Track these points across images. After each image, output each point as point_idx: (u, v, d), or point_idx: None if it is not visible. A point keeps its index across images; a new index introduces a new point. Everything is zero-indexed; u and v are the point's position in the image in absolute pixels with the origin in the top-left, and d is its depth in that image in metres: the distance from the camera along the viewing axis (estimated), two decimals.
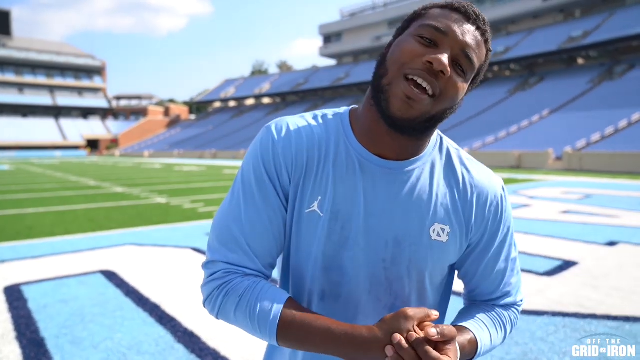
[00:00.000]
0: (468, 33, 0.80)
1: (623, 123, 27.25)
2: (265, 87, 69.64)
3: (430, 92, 0.78)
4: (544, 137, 28.39)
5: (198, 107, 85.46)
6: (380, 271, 0.87)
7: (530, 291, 4.07)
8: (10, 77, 72.56)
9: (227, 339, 3.18)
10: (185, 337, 3.24)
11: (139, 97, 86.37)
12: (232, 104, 75.60)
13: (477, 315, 0.94)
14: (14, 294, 4.15)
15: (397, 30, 0.87)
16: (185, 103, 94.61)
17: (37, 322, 3.49)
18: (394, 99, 0.78)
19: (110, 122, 77.25)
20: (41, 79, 75.54)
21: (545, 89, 39.38)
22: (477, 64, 0.82)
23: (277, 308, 0.80)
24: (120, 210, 9.59)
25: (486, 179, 0.93)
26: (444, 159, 0.92)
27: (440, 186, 0.89)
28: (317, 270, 0.88)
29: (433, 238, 0.87)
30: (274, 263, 0.91)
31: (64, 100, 75.58)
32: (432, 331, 0.74)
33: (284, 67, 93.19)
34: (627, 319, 3.41)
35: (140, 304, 3.87)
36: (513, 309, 1.00)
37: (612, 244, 5.94)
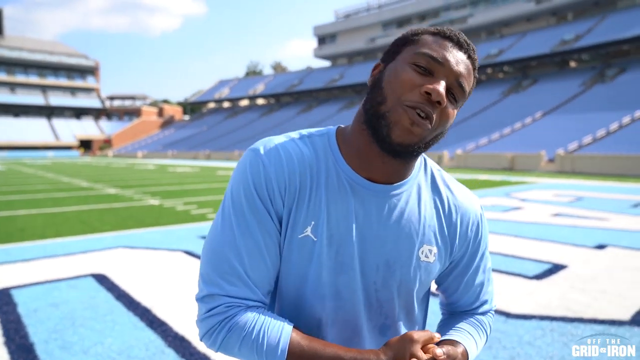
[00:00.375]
0: (461, 62, 0.81)
1: (614, 126, 27.49)
2: (260, 88, 69.58)
3: (429, 119, 0.80)
4: (537, 139, 28.57)
5: (192, 107, 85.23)
6: (372, 294, 0.88)
7: (519, 295, 4.11)
8: (2, 76, 72.01)
9: None
10: (175, 341, 3.24)
11: (132, 98, 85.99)
12: (226, 104, 75.45)
13: (461, 326, 0.97)
14: (3, 298, 4.13)
15: (387, 54, 0.87)
16: (179, 103, 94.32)
17: (27, 327, 3.48)
18: (396, 126, 0.79)
19: (104, 123, 76.86)
20: (33, 79, 75.04)
21: (538, 92, 39.64)
22: (467, 91, 0.84)
23: (285, 341, 0.79)
24: (112, 212, 9.56)
25: (468, 200, 0.96)
26: (429, 181, 0.94)
27: (427, 208, 0.91)
28: (313, 298, 0.87)
29: (422, 259, 0.89)
30: (272, 290, 0.89)
31: (57, 100, 75.13)
32: (439, 352, 0.78)
33: (278, 68, 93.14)
34: (613, 322, 3.45)
35: (131, 308, 3.87)
36: (489, 314, 1.05)
37: (601, 247, 6.00)
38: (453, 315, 1.04)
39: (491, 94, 43.57)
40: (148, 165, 33.96)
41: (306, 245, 0.85)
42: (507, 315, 3.64)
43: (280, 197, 0.83)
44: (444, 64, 0.80)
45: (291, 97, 66.45)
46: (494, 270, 4.93)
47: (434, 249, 0.90)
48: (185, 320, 3.58)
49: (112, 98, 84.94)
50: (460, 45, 0.82)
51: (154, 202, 11.19)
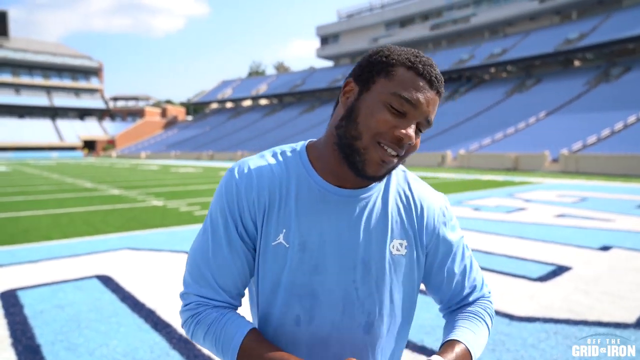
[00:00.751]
0: (431, 101, 0.89)
1: (619, 125, 27.39)
2: (262, 88, 69.66)
3: (398, 156, 0.90)
4: (541, 139, 28.51)
5: (195, 108, 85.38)
6: (352, 292, 0.95)
7: (522, 297, 4.11)
8: (6, 77, 72.39)
9: None
10: (180, 343, 3.26)
11: (135, 98, 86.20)
12: (229, 105, 75.57)
13: (457, 324, 1.01)
14: (10, 300, 4.16)
15: (361, 78, 0.91)
16: (182, 104, 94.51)
17: (33, 328, 3.51)
18: (370, 163, 0.88)
19: (107, 123, 77.10)
20: (38, 80, 75.36)
21: (542, 91, 39.55)
22: (432, 121, 0.92)
23: (237, 341, 0.90)
24: (116, 213, 9.60)
25: (430, 194, 1.04)
26: (394, 180, 1.02)
27: (393, 205, 0.99)
28: (289, 298, 0.94)
29: (394, 253, 0.97)
30: (241, 293, 0.99)
31: (61, 101, 75.42)
32: None
33: (281, 68, 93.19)
34: (618, 324, 3.45)
35: (136, 310, 3.89)
36: (484, 302, 1.09)
37: (605, 248, 5.98)
38: (451, 315, 1.07)
39: (495, 94, 43.50)
40: (151, 165, 34.05)
41: (279, 251, 0.93)
42: (511, 317, 3.64)
43: (249, 213, 0.93)
44: (417, 106, 0.87)
45: (294, 98, 66.51)
46: (497, 272, 4.93)
47: (404, 242, 0.98)
48: None
49: (115, 99, 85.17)
50: (431, 84, 0.88)
51: (158, 203, 11.23)
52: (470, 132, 34.73)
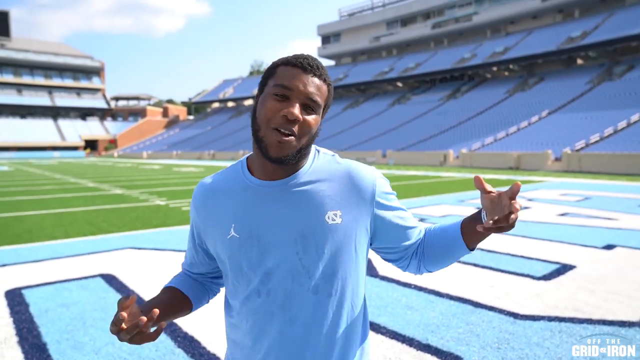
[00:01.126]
0: (309, 83, 1.05)
1: (622, 124, 27.32)
2: None
3: (293, 134, 1.04)
4: (543, 137, 28.47)
5: (196, 107, 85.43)
6: (296, 262, 1.10)
7: (526, 295, 4.11)
8: (8, 77, 72.51)
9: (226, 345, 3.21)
10: (185, 341, 3.27)
11: (137, 98, 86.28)
12: (230, 104, 75.60)
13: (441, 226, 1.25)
14: (16, 298, 4.18)
15: (259, 86, 1.12)
16: (184, 103, 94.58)
17: (39, 327, 3.52)
18: (270, 146, 1.04)
19: (109, 123, 77.20)
20: (39, 80, 75.48)
21: (545, 90, 39.47)
22: (321, 101, 1.08)
23: (165, 286, 1.27)
24: (119, 212, 9.62)
25: (361, 168, 1.17)
26: (324, 164, 1.17)
27: (325, 184, 1.13)
28: (249, 278, 1.12)
29: (329, 223, 1.10)
30: (201, 271, 1.29)
31: (63, 101, 75.54)
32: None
33: None
34: (622, 323, 3.45)
35: None
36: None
37: (610, 247, 5.97)
38: (424, 245, 1.25)
39: (497, 93, 43.45)
40: (153, 165, 34.09)
41: (234, 241, 1.11)
42: (515, 316, 3.64)
43: (200, 220, 1.19)
44: (294, 89, 1.04)
45: None
46: (501, 270, 4.93)
47: (339, 212, 1.11)
48: (194, 321, 3.61)
49: (117, 98, 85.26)
50: (305, 69, 1.06)
51: (160, 202, 11.24)
52: (473, 131, 34.69)
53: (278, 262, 1.10)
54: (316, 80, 1.06)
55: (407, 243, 1.22)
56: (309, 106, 1.05)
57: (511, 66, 46.57)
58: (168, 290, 1.23)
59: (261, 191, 1.12)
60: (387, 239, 1.21)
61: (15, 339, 3.33)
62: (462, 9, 52.83)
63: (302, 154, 1.08)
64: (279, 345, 1.10)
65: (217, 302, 4.04)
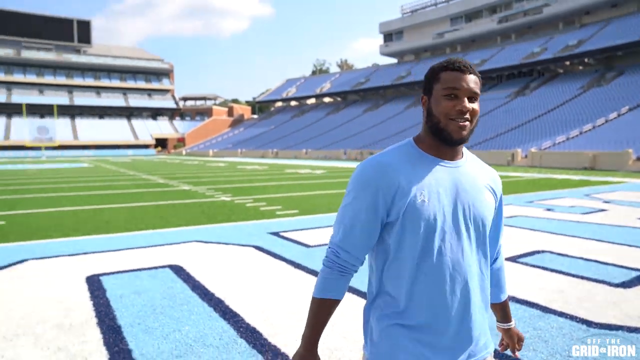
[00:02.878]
0: (470, 81, 1.32)
1: None
2: (326, 86, 70.04)
3: (468, 120, 1.33)
4: (623, 135, 26.59)
5: (260, 106, 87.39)
6: (463, 233, 1.35)
7: (602, 303, 3.86)
8: (89, 81, 77.85)
9: (287, 337, 3.27)
10: (247, 332, 3.36)
11: (204, 98, 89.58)
12: (293, 103, 76.69)
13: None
14: (94, 284, 4.47)
15: (425, 89, 1.38)
16: (248, 103, 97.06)
17: (114, 311, 3.75)
18: (452, 132, 1.31)
19: (177, 122, 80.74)
20: (115, 82, 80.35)
21: (624, 84, 36.83)
22: (479, 91, 1.35)
23: (330, 295, 1.36)
24: (186, 207, 10.03)
25: (488, 168, 1.49)
26: (470, 155, 1.47)
27: (478, 170, 1.44)
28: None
29: (487, 202, 1.40)
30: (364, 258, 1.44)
31: (135, 101, 79.92)
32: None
33: (344, 66, 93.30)
34: None
35: (206, 299, 4.05)
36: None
37: None
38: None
39: (569, 89, 41.08)
40: (219, 163, 35.26)
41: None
42: (589, 324, 3.43)
43: (405, 182, 1.33)
44: (461, 89, 1.31)
45: (357, 95, 66.36)
46: (573, 275, 4.66)
47: (490, 194, 1.42)
48: (257, 313, 3.70)
49: (185, 99, 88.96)
50: (462, 71, 1.32)
51: (225, 198, 11.61)
52: (543, 129, 33.04)
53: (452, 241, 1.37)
54: (474, 77, 1.33)
55: (499, 242, 1.56)
56: (473, 98, 1.32)
57: (586, 60, 43.86)
58: (333, 305, 1.35)
59: (437, 167, 1.36)
60: (494, 230, 1.51)
61: (95, 320, 3.57)
62: (531, 2, 50.37)
63: (472, 133, 1.35)
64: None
65: (277, 294, 4.12)
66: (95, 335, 3.30)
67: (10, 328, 3.43)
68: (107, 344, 3.16)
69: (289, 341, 3.20)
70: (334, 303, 1.34)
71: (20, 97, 69.32)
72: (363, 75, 67.12)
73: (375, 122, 52.16)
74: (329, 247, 1.36)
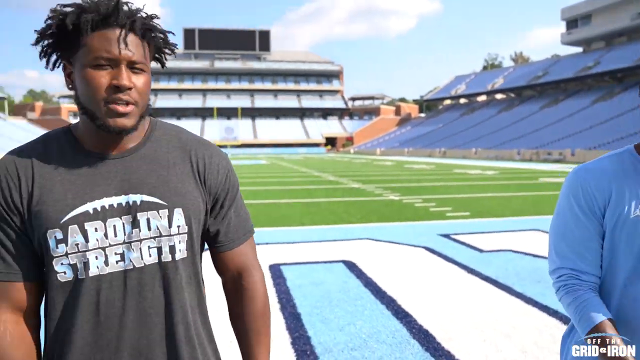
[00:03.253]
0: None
1: None
2: (498, 82, 65.81)
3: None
4: None
5: (428, 104, 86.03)
6: None
7: None
8: (267, 85, 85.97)
9: (462, 343, 3.15)
10: (420, 334, 3.33)
11: (372, 98, 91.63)
12: (462, 100, 73.83)
13: None
14: (276, 272, 4.91)
15: None
16: (415, 101, 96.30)
17: (294, 299, 4.06)
18: None
19: (346, 122, 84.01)
20: (290, 85, 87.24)
21: None
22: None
23: (596, 321, 1.26)
24: (357, 205, 10.37)
25: None
26: None
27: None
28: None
29: None
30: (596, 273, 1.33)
31: (307, 102, 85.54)
32: None
33: (519, 59, 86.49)
34: None
35: (378, 296, 4.13)
36: None
37: None
38: None
39: None
40: (386, 161, 35.69)
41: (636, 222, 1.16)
42: None
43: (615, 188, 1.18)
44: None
45: (534, 90, 60.98)
46: None
47: None
48: (430, 315, 3.65)
49: (353, 99, 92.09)
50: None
51: (394, 197, 11.70)
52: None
53: None
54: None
55: None
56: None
57: None
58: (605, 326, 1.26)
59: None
60: None
61: (277, 305, 3.91)
62: None
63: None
64: None
65: (450, 298, 4.00)
66: (279, 320, 3.61)
67: None
68: (289, 328, 3.44)
69: (464, 347, 3.09)
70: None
71: (212, 101, 79.95)
72: (540, 68, 61.36)
73: (554, 119, 47.27)
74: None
